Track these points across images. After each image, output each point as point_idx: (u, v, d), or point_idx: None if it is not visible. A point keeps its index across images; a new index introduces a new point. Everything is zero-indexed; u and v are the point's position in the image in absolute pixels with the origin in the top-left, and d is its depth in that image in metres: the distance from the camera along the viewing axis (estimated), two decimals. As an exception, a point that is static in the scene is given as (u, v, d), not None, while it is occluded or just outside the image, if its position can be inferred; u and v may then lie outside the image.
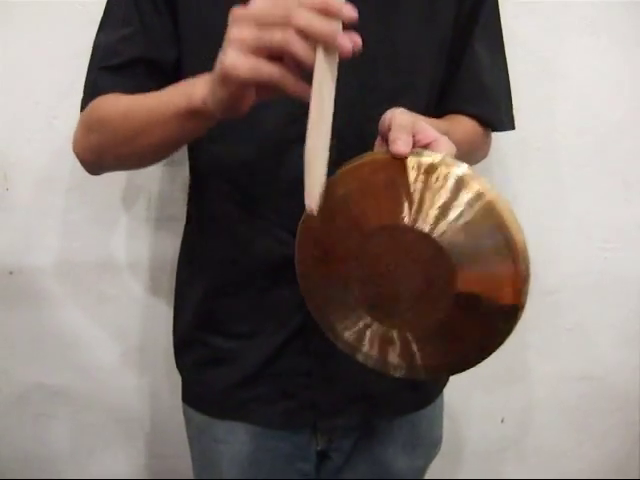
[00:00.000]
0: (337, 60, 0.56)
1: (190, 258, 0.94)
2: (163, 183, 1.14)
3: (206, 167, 0.86)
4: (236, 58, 0.54)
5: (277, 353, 0.86)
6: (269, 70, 0.54)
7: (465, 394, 1.27)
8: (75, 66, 0.95)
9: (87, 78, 0.83)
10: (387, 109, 0.79)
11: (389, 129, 0.63)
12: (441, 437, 1.02)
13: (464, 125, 0.90)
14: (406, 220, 0.61)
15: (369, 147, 0.71)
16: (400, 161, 0.61)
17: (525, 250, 0.60)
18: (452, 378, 1.00)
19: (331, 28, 0.53)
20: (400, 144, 0.60)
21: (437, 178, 0.60)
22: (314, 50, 0.54)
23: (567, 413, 1.35)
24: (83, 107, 0.82)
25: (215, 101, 0.59)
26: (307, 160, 0.57)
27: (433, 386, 0.97)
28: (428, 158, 0.60)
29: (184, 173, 1.01)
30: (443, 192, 0.60)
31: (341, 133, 0.78)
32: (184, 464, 1.02)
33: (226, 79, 0.56)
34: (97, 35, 0.83)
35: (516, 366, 1.31)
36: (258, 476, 0.91)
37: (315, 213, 0.59)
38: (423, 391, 0.95)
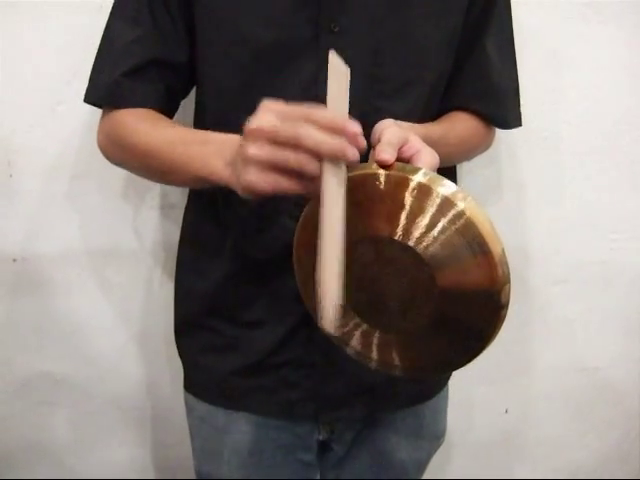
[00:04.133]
0: (345, 169, 0.60)
1: (193, 244, 0.93)
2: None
3: None
4: (257, 176, 0.60)
5: (281, 343, 0.86)
6: (288, 185, 0.60)
7: (469, 385, 1.26)
8: (79, 53, 0.95)
9: (100, 72, 0.84)
10: (395, 101, 0.79)
11: (378, 142, 0.65)
12: (445, 429, 1.02)
13: (464, 126, 0.90)
14: (389, 233, 0.63)
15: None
16: (385, 176, 0.63)
17: (502, 257, 0.62)
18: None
19: (338, 146, 0.57)
20: (384, 154, 0.63)
21: (420, 195, 0.62)
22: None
23: (570, 404, 1.35)
24: (92, 100, 0.85)
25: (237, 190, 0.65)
26: (321, 282, 0.60)
27: (437, 378, 0.97)
28: (413, 175, 0.62)
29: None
30: (425, 208, 0.62)
31: None
32: (186, 452, 1.02)
33: (249, 191, 0.62)
34: (109, 26, 0.84)
35: (520, 357, 1.31)
36: (259, 466, 0.91)
37: (335, 333, 0.63)
38: (427, 383, 0.95)
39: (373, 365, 0.72)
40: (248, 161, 0.60)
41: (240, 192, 0.64)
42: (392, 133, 0.65)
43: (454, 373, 1.00)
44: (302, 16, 0.76)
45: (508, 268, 0.63)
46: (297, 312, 0.84)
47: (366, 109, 0.77)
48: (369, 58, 0.78)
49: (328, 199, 0.59)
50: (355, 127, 0.57)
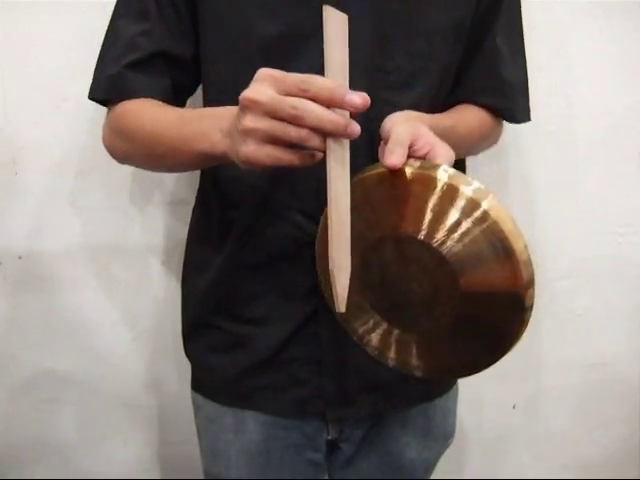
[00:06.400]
0: (347, 142, 0.59)
1: (199, 243, 0.93)
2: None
3: None
4: (256, 149, 0.58)
5: (289, 340, 0.86)
6: (289, 158, 0.59)
7: (476, 380, 1.25)
8: (83, 49, 0.95)
9: (104, 67, 0.83)
10: (402, 93, 0.79)
11: (388, 139, 0.64)
12: (454, 429, 1.01)
13: (473, 117, 0.89)
14: (411, 232, 0.63)
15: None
16: (404, 173, 0.62)
17: (526, 257, 0.61)
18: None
19: (340, 122, 0.56)
20: (393, 158, 0.62)
21: (442, 193, 0.61)
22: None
23: (578, 399, 1.35)
24: (95, 96, 0.84)
25: (236, 162, 0.63)
26: (331, 260, 0.59)
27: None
28: (433, 172, 0.62)
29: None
30: (448, 207, 0.61)
31: (357, 116, 0.78)
32: (192, 450, 1.02)
33: (249, 164, 0.60)
34: (113, 23, 0.84)
35: (527, 352, 1.31)
36: (268, 466, 0.90)
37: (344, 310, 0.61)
38: (436, 382, 0.94)
39: (394, 366, 0.72)
40: (246, 134, 0.59)
41: (239, 164, 0.63)
42: (401, 132, 0.65)
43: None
44: (307, 6, 0.75)
45: (532, 270, 0.62)
46: (305, 308, 0.84)
47: (373, 101, 0.77)
48: (376, 49, 0.77)
49: (333, 175, 0.58)
50: (356, 98, 0.56)
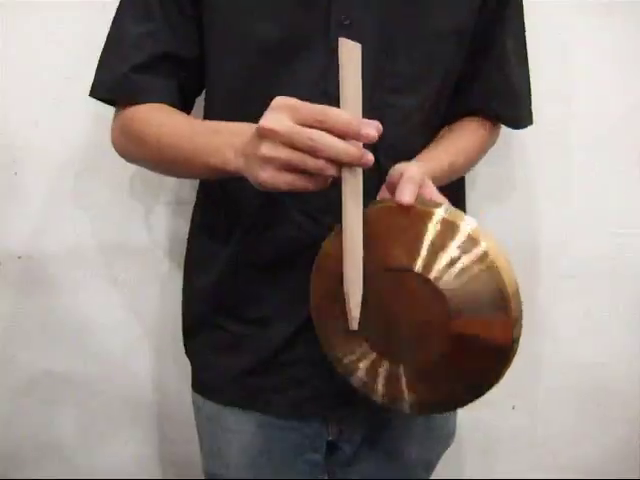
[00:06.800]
0: (361, 170, 0.63)
1: (200, 243, 0.93)
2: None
3: None
4: (272, 175, 0.61)
5: (290, 341, 0.86)
6: (304, 184, 0.62)
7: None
8: (83, 49, 0.95)
9: (107, 66, 0.83)
10: (405, 96, 0.79)
11: (398, 180, 0.67)
12: (454, 429, 1.02)
13: (473, 138, 0.90)
14: (410, 265, 0.65)
15: (385, 135, 0.70)
16: (407, 209, 0.64)
17: (517, 298, 0.64)
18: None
19: (356, 154, 0.60)
20: (406, 193, 0.64)
21: (443, 230, 0.64)
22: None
23: (579, 400, 1.34)
24: (98, 95, 0.84)
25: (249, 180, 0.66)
26: (345, 281, 0.65)
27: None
28: (436, 209, 0.64)
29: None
30: (448, 244, 0.64)
31: None
32: (193, 450, 1.02)
33: (264, 188, 0.63)
34: (116, 22, 0.84)
35: (527, 353, 1.29)
36: (267, 466, 0.91)
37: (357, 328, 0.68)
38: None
39: (379, 398, 0.73)
40: (264, 161, 0.61)
41: (254, 185, 0.65)
42: (415, 172, 0.67)
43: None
44: (312, 9, 0.75)
45: (521, 303, 0.64)
46: (306, 309, 0.84)
47: (378, 103, 0.77)
48: (380, 52, 0.77)
49: (348, 201, 0.62)
50: (371, 131, 0.59)
